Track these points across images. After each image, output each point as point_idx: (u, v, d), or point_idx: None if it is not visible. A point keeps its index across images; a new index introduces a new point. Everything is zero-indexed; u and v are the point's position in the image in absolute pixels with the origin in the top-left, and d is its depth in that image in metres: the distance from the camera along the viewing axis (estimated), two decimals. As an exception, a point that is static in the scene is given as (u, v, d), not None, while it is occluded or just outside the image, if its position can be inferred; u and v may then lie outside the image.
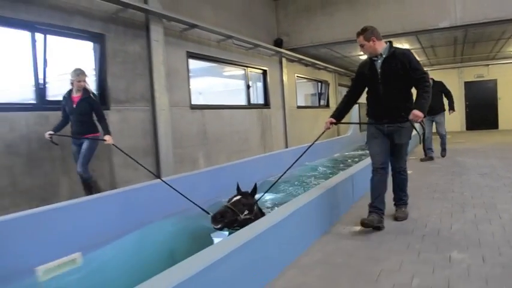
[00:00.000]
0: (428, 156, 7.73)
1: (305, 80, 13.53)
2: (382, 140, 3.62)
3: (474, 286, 2.27)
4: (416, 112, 3.32)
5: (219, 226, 3.66)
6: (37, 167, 4.66)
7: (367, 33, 3.52)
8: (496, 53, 14.32)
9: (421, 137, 7.39)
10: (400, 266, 2.62)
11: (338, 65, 14.70)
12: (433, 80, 7.21)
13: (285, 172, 4.10)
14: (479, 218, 3.63)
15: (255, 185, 4.16)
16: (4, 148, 4.35)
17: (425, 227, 3.49)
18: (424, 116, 3.42)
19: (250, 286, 2.34)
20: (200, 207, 4.21)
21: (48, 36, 4.92)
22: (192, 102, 7.40)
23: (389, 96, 3.52)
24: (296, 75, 12.28)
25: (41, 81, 4.84)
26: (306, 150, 4.05)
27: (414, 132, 3.92)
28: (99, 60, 5.57)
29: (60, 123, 4.75)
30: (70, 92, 4.80)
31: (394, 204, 3.88)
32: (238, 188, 4.15)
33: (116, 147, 4.76)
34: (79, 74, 4.75)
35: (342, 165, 9.51)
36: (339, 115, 3.84)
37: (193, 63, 7.72)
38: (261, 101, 10.33)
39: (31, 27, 4.76)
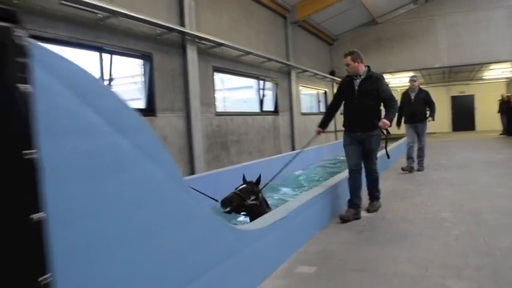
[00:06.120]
0: (409, 166, 7.49)
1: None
2: (355, 146, 4.13)
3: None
4: (384, 120, 3.94)
5: (227, 209, 3.87)
6: (260, 141, 10.54)
7: (354, 55, 3.97)
8: (472, 77, 20.64)
9: (386, 141, 7.85)
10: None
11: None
12: (419, 88, 7.60)
13: (279, 172, 4.55)
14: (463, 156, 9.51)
15: (260, 175, 4.39)
16: (260, 129, 10.22)
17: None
18: (390, 125, 4.03)
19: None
20: (207, 195, 4.22)
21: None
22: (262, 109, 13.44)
23: (363, 110, 3.99)
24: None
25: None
26: (298, 154, 4.71)
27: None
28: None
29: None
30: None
31: (369, 198, 4.44)
32: (244, 178, 4.35)
33: None
34: None
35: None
36: (325, 124, 4.32)
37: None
38: (324, 109, 16.41)
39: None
